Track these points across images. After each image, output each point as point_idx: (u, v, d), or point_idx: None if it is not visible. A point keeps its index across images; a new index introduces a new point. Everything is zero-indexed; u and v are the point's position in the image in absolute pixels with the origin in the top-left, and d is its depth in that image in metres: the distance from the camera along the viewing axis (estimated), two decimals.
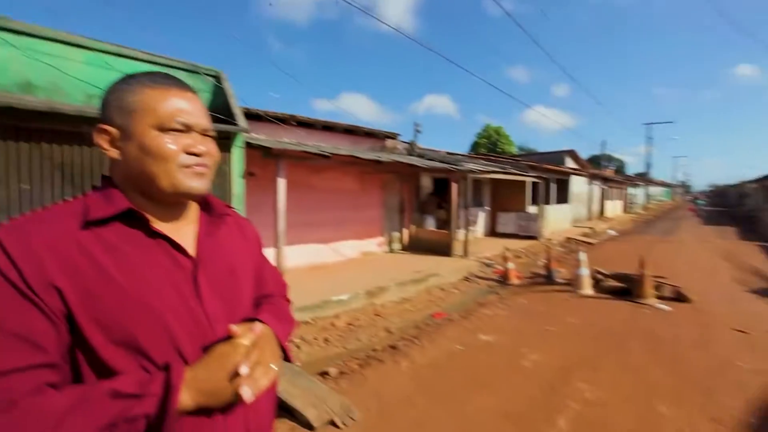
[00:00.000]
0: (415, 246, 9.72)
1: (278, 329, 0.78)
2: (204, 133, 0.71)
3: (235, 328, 0.66)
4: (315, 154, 5.60)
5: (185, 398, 0.60)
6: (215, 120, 4.52)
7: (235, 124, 4.37)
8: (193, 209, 0.78)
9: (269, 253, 6.01)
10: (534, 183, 12.48)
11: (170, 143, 0.66)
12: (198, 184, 0.70)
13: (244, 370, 0.62)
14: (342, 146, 8.35)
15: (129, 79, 0.69)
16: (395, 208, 9.66)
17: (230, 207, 0.85)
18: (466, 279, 7.30)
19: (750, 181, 38.21)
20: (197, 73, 4.59)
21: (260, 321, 0.73)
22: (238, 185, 4.67)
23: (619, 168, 49.30)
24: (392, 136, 9.44)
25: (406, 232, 9.88)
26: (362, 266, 7.70)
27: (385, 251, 9.34)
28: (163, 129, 0.66)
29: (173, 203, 0.72)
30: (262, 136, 6.77)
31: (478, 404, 2.84)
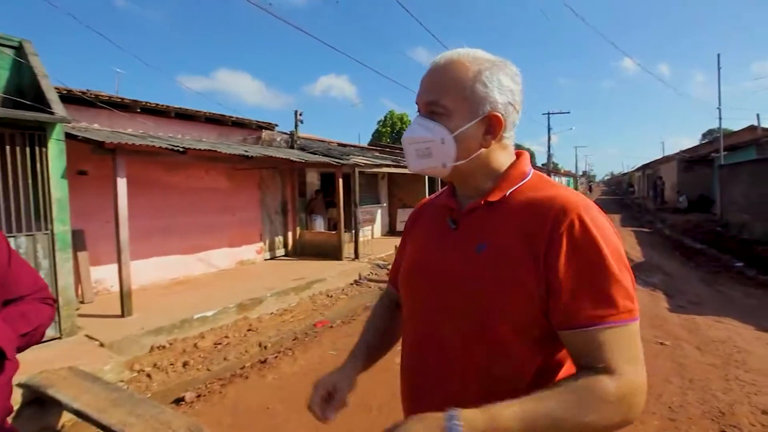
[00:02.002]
0: (302, 250, 9.97)
1: (2, 330, 1.00)
2: None
3: None
4: (164, 148, 5.48)
5: None
6: (17, 105, 4.18)
7: (49, 111, 4.12)
8: None
9: (113, 269, 5.73)
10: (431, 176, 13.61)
11: None
12: None
13: None
14: (207, 138, 8.20)
15: None
16: (277, 209, 9.76)
17: None
18: (356, 283, 7.80)
19: (635, 170, 46.49)
20: None
21: None
22: (59, 188, 4.42)
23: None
24: (268, 127, 9.51)
25: (290, 236, 10.06)
26: (237, 277, 7.69)
27: (265, 258, 9.40)
28: None
29: None
30: (95, 125, 6.35)
31: None
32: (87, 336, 4.56)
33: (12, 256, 1.14)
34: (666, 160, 27.28)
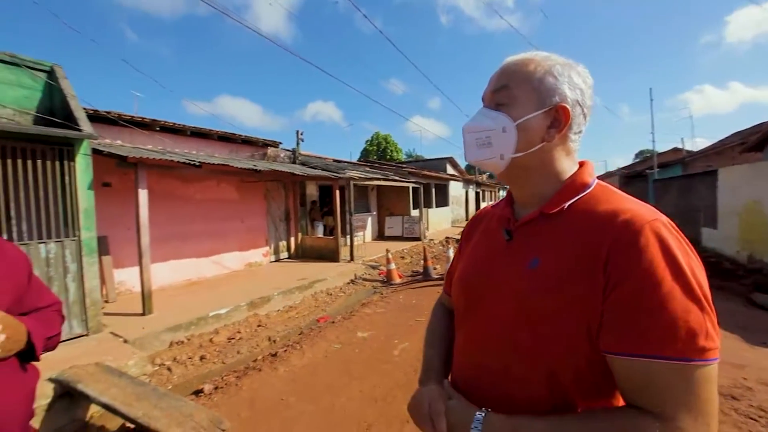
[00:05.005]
0: (303, 254, 9.76)
1: (34, 327, 0.95)
2: None
3: None
4: (181, 162, 5.27)
5: None
6: (48, 123, 3.96)
7: (77, 129, 3.90)
8: None
9: (134, 271, 5.48)
10: (414, 188, 13.58)
11: None
12: None
13: None
14: (219, 154, 7.98)
15: None
16: (281, 217, 9.55)
17: None
18: (352, 282, 7.63)
19: None
20: (18, 66, 3.95)
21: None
22: (85, 198, 4.19)
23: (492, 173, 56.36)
24: (273, 144, 9.33)
25: (293, 241, 9.84)
26: (246, 278, 7.45)
27: (271, 261, 9.15)
28: None
29: None
30: (119, 142, 6.10)
31: (349, 395, 3.10)
32: (112, 333, 4.30)
33: (32, 274, 1.08)
34: (609, 175, 27.98)
